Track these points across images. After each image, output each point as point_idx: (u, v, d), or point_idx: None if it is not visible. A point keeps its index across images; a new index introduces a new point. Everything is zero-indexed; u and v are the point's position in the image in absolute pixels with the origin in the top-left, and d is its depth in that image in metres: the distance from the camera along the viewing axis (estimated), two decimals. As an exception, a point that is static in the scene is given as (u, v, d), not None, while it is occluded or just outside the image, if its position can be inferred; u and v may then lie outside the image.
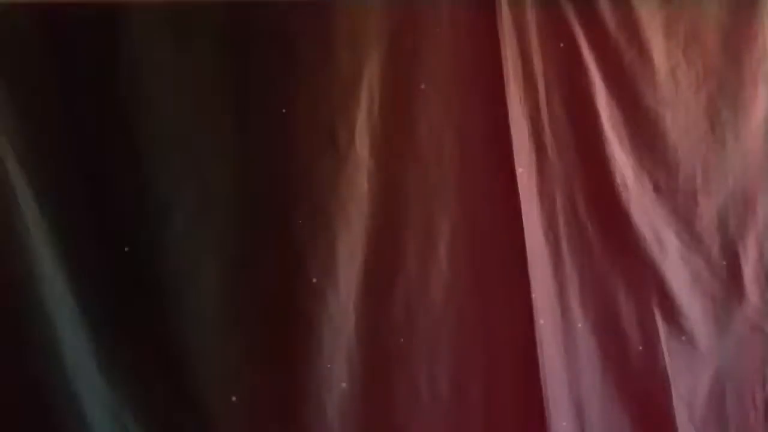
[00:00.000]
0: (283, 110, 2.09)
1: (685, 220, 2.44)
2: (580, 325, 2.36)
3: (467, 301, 2.22)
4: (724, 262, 2.48)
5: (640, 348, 2.40)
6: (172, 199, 2.04)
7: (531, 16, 2.27)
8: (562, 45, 2.30)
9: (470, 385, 2.23)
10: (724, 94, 2.44)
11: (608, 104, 2.34)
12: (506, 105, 2.22)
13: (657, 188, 2.41)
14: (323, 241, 2.12)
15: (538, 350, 2.24)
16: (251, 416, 2.09)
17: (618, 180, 2.35)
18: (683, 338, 2.43)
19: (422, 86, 2.18)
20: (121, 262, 2.01)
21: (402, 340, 2.19)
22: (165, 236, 2.04)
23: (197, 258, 2.06)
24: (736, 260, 2.49)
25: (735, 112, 2.45)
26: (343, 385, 2.15)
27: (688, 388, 2.44)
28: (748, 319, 2.51)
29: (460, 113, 2.21)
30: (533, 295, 2.23)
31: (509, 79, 2.23)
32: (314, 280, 2.11)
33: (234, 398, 2.08)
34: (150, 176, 2.03)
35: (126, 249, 2.01)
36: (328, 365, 2.13)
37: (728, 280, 2.49)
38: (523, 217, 2.23)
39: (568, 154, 2.33)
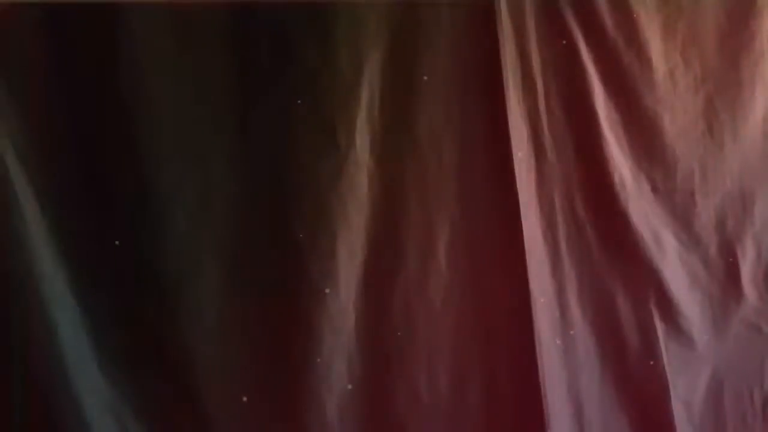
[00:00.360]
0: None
1: (683, 220, 2.45)
2: (578, 325, 2.37)
3: (466, 301, 2.23)
4: (722, 262, 2.50)
5: (639, 347, 2.40)
6: (172, 199, 2.05)
7: (530, 16, 2.28)
8: (560, 45, 2.31)
9: (469, 385, 2.24)
10: (722, 96, 2.45)
11: (606, 105, 2.35)
12: (505, 105, 2.23)
13: (655, 188, 2.42)
14: (323, 241, 2.12)
15: (537, 350, 2.24)
16: (255, 416, 2.09)
17: (616, 180, 2.36)
18: (681, 338, 2.44)
19: (423, 81, 2.18)
20: (121, 262, 2.02)
21: (401, 338, 2.20)
22: (165, 236, 2.04)
23: (197, 258, 2.06)
24: (734, 260, 2.50)
25: (732, 113, 2.46)
26: (349, 386, 2.15)
27: (687, 388, 2.45)
28: (746, 319, 2.52)
29: (460, 113, 2.22)
30: (532, 295, 2.23)
31: (508, 79, 2.23)
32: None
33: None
34: (150, 176, 2.03)
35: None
36: (328, 365, 2.13)
37: (726, 280, 2.50)
38: (522, 217, 2.23)
39: (566, 154, 2.33)
